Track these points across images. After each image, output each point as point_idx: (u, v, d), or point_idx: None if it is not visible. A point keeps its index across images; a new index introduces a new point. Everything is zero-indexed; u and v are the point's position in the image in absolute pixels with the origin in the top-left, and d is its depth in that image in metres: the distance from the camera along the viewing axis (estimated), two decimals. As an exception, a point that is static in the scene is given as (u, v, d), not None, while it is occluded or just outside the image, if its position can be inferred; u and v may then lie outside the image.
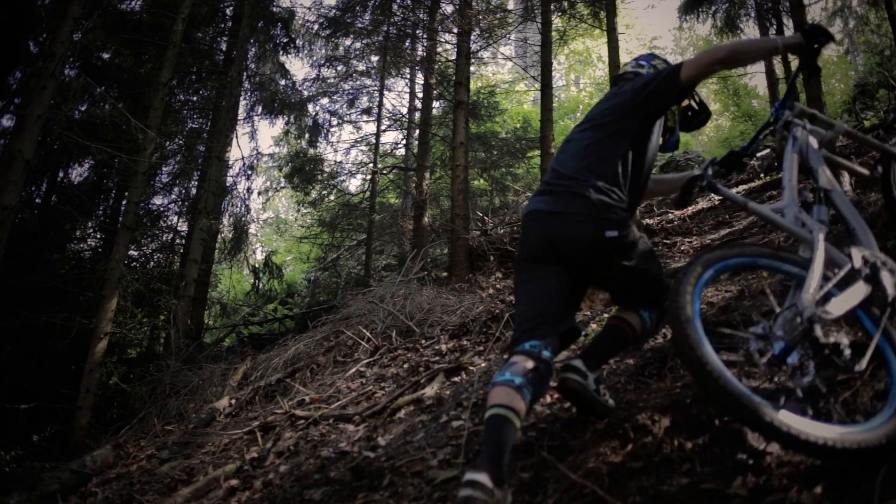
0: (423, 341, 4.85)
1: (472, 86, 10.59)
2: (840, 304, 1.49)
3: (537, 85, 8.63)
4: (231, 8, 10.58)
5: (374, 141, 11.34)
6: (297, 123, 11.69)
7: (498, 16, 9.60)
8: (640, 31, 19.36)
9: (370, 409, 3.51)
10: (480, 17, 8.96)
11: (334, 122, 11.83)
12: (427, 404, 3.25)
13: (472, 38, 8.85)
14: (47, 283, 7.21)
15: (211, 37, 10.76)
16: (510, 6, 12.52)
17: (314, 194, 11.59)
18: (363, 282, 8.98)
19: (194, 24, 9.46)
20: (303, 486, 2.52)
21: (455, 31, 8.81)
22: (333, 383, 4.60)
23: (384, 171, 11.48)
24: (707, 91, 15.96)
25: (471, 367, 3.71)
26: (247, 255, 10.97)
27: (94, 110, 7.80)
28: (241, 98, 10.64)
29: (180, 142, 10.51)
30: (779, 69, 10.19)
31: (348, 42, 11.03)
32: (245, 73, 10.27)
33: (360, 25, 10.23)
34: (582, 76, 20.95)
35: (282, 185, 13.22)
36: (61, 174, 9.21)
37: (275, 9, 11.07)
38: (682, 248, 5.70)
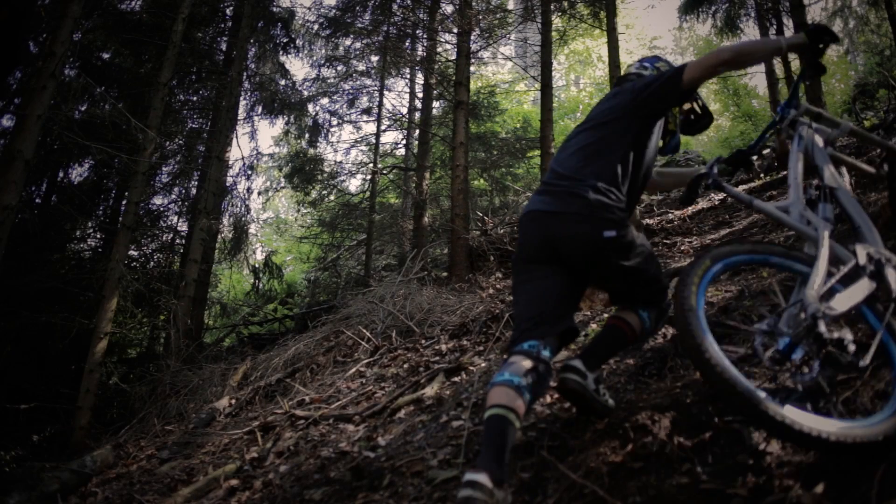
0: (423, 341, 4.85)
1: (472, 86, 10.59)
2: (844, 301, 1.50)
3: (537, 85, 8.63)
4: (231, 8, 10.58)
5: (374, 141, 11.35)
6: (297, 123, 11.69)
7: (498, 16, 9.60)
8: (640, 31, 19.38)
9: (370, 409, 3.51)
10: (480, 17, 8.97)
11: (334, 122, 11.85)
12: (427, 404, 3.25)
13: (472, 38, 8.85)
14: (47, 283, 7.21)
15: (211, 37, 10.76)
16: (510, 6, 12.53)
17: (314, 194, 11.59)
18: (363, 282, 8.98)
19: (194, 24, 9.46)
20: (303, 486, 2.52)
21: (455, 31, 8.81)
22: (333, 383, 4.60)
23: (384, 171, 11.48)
24: (707, 91, 15.96)
25: (471, 367, 3.71)
26: (247, 255, 10.97)
27: (94, 110, 7.81)
28: (241, 98, 10.65)
29: (180, 142, 10.50)
30: (779, 69, 10.19)
31: (348, 42, 11.05)
32: (245, 73, 10.27)
33: (360, 25, 10.23)
34: (582, 76, 20.94)
35: (282, 185, 13.22)
36: (61, 174, 9.21)
37: (275, 9, 11.07)
38: (682, 248, 5.70)
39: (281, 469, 2.98)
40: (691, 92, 2.04)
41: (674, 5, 40.50)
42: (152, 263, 9.75)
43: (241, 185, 11.02)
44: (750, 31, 12.07)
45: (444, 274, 7.69)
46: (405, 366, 4.35)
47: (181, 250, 9.63)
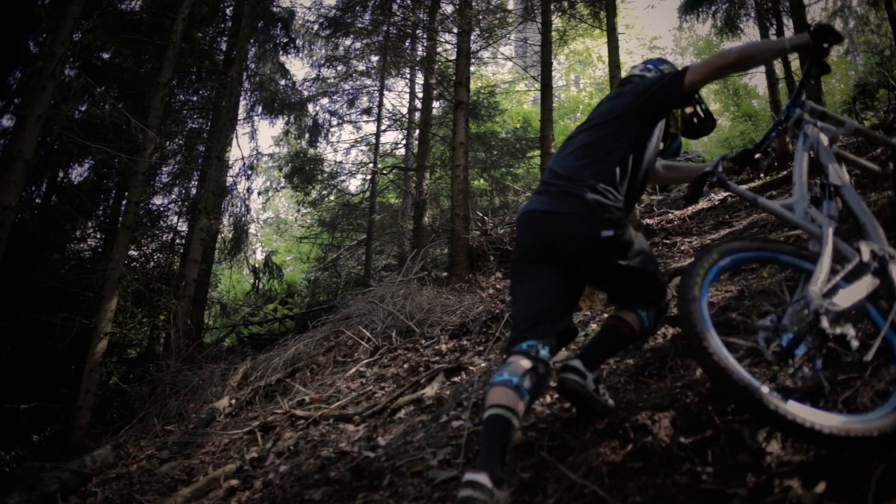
0: (423, 341, 4.85)
1: (472, 86, 10.59)
2: (847, 297, 1.51)
3: (537, 85, 8.63)
4: (231, 8, 10.59)
5: (374, 141, 11.35)
6: (297, 123, 11.69)
7: (498, 16, 9.60)
8: (640, 31, 19.35)
9: (370, 409, 3.51)
10: (480, 17, 8.97)
11: (334, 122, 11.85)
12: (427, 404, 3.25)
13: (472, 38, 8.85)
14: (47, 283, 7.21)
15: (211, 37, 10.76)
16: (510, 6, 12.52)
17: (314, 194, 11.59)
18: (363, 282, 8.98)
19: (194, 24, 9.46)
20: (303, 486, 2.52)
21: (455, 31, 8.82)
22: (333, 383, 4.60)
23: (384, 171, 11.48)
24: (707, 91, 15.95)
25: (471, 367, 3.71)
26: (247, 255, 10.97)
27: (94, 110, 7.81)
28: (241, 98, 10.66)
29: (180, 142, 10.51)
30: (779, 69, 10.18)
31: (348, 42, 11.05)
32: (245, 73, 10.28)
33: (360, 25, 10.23)
34: (582, 76, 20.94)
35: (282, 185, 13.23)
36: (61, 174, 9.21)
37: (275, 9, 11.08)
38: (682, 248, 5.70)
39: (281, 469, 2.98)
40: (692, 94, 2.04)
41: (674, 5, 40.52)
42: (152, 263, 9.75)
43: (241, 185, 11.03)
44: (750, 31, 12.09)
45: (444, 274, 7.69)
46: (405, 366, 4.34)
47: (181, 250, 9.62)
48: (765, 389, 1.34)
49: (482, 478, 1.48)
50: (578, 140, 2.11)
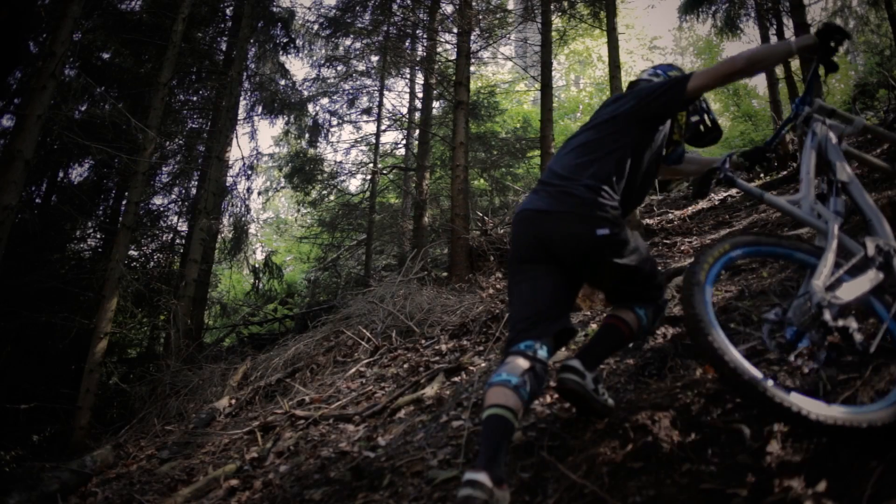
0: (423, 341, 4.85)
1: (472, 86, 10.60)
2: (851, 290, 1.53)
3: (537, 85, 8.63)
4: (231, 8, 10.59)
5: (374, 141, 11.35)
6: (297, 123, 11.70)
7: (498, 16, 9.61)
8: (640, 31, 19.33)
9: (370, 409, 3.51)
10: (480, 17, 8.97)
11: (334, 122, 11.86)
12: (427, 404, 3.25)
13: (472, 38, 8.85)
14: (47, 283, 7.21)
15: (211, 37, 10.76)
16: (510, 6, 12.53)
17: (314, 194, 11.59)
18: (363, 282, 8.98)
19: (194, 24, 9.46)
20: (303, 486, 2.52)
21: (455, 31, 8.82)
22: (333, 383, 4.60)
23: (384, 171, 11.48)
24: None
25: (471, 367, 3.71)
26: (247, 255, 10.97)
27: (94, 110, 7.81)
28: (241, 98, 10.66)
29: (180, 142, 10.51)
30: (779, 69, 10.18)
31: (348, 42, 11.06)
32: (245, 73, 10.28)
33: (360, 25, 10.24)
34: (582, 76, 20.93)
35: (282, 185, 13.23)
36: (61, 174, 9.21)
37: (275, 9, 11.08)
38: (682, 248, 5.70)
39: (281, 469, 2.98)
40: (695, 100, 2.04)
41: (674, 5, 40.52)
42: (152, 263, 9.75)
43: (241, 185, 11.04)
44: (750, 31, 12.11)
45: (444, 274, 7.69)
46: (405, 366, 4.35)
47: (181, 250, 9.63)
48: (756, 372, 1.36)
49: (482, 477, 1.48)
50: (578, 140, 2.11)
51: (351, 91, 11.65)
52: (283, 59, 11.67)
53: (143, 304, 8.11)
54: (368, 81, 11.55)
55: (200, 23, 10.06)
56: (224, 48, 10.62)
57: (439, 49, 9.60)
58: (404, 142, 11.71)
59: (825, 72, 2.04)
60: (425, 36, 9.60)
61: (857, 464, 1.32)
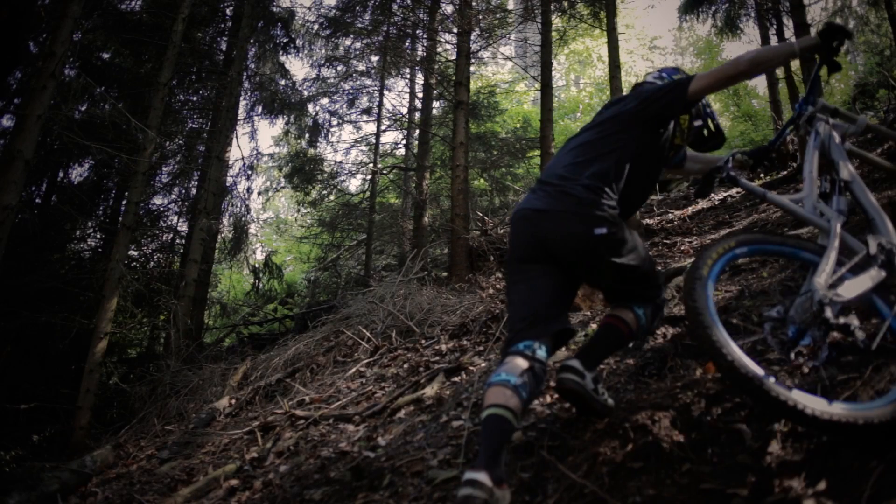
0: (423, 341, 4.85)
1: (472, 86, 10.60)
2: (852, 288, 1.54)
3: (537, 85, 8.63)
4: (231, 8, 10.59)
5: (374, 141, 11.36)
6: (297, 123, 11.70)
7: (498, 16, 9.60)
8: (640, 31, 19.32)
9: (370, 409, 3.51)
10: (480, 17, 8.97)
11: (334, 122, 11.86)
12: (427, 404, 3.25)
13: (472, 38, 8.85)
14: (47, 283, 7.21)
15: (211, 37, 10.77)
16: (510, 6, 12.52)
17: (314, 194, 11.60)
18: (363, 282, 8.98)
19: (194, 24, 9.47)
20: (303, 486, 2.52)
21: (455, 31, 8.81)
22: (333, 383, 4.60)
23: (384, 171, 11.48)
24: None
25: (471, 367, 3.71)
26: (247, 255, 10.98)
27: (94, 110, 7.82)
28: (241, 98, 10.66)
29: (180, 142, 10.51)
30: (779, 70, 10.19)
31: (348, 42, 11.06)
32: (245, 73, 10.28)
33: (360, 25, 10.24)
34: (582, 76, 20.93)
35: (282, 185, 13.23)
36: (61, 174, 9.22)
37: (275, 9, 11.08)
38: (681, 248, 5.70)
39: (281, 469, 2.98)
40: (697, 101, 2.04)
41: (674, 5, 40.52)
42: (152, 263, 9.75)
43: (241, 185, 11.05)
44: (750, 32, 12.11)
45: (444, 274, 7.69)
46: (405, 366, 4.34)
47: (181, 250, 9.63)
48: (757, 368, 1.37)
49: (482, 476, 1.48)
50: (578, 140, 2.12)
51: (351, 91, 11.66)
52: (283, 59, 11.68)
53: (143, 304, 8.11)
54: (368, 81, 11.56)
55: (200, 23, 10.07)
56: (224, 48, 10.63)
57: (439, 49, 9.60)
58: (404, 142, 11.72)
59: (828, 72, 2.04)
60: (425, 36, 9.60)
61: (857, 464, 1.32)
